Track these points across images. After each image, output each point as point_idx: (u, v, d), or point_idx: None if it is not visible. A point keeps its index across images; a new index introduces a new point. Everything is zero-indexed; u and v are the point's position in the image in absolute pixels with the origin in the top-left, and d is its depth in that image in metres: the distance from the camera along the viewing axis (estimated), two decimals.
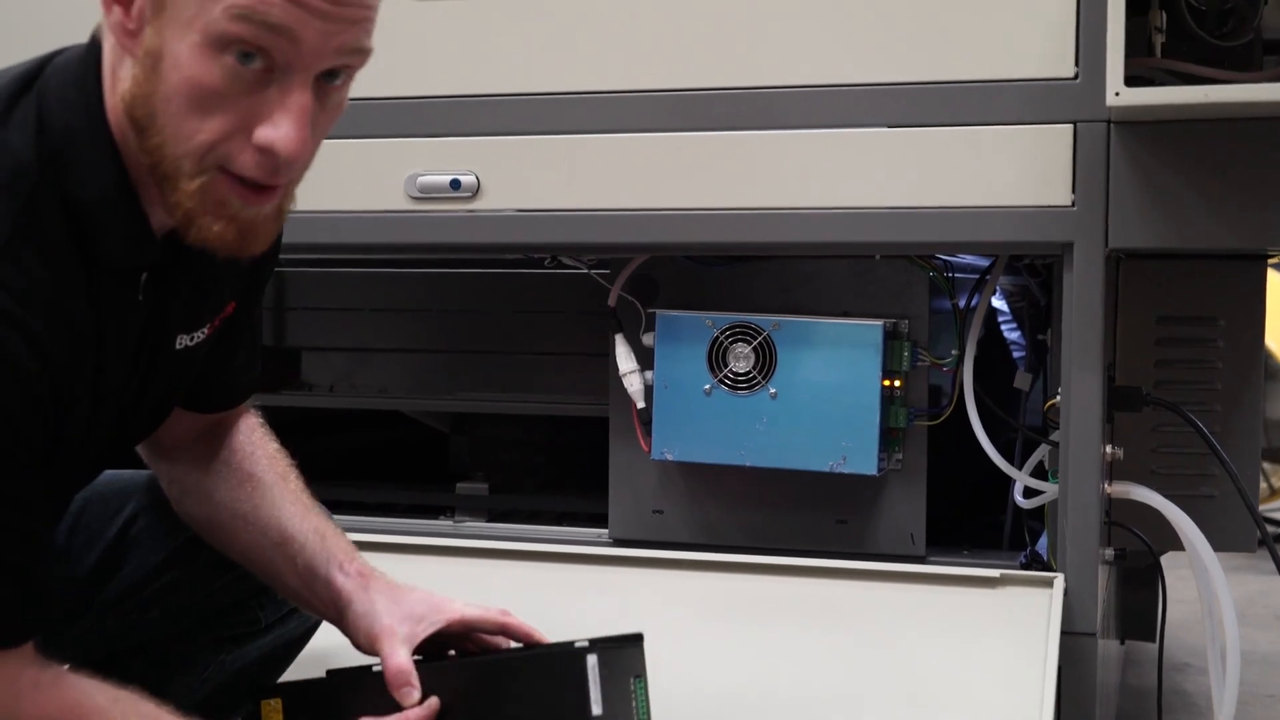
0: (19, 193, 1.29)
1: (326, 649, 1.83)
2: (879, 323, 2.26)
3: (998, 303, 2.64)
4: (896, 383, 2.28)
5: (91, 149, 1.33)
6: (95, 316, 1.37)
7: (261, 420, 1.78)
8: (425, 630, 1.60)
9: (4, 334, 1.26)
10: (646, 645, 1.67)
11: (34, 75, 1.35)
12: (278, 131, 1.29)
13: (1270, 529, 4.94)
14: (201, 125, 1.29)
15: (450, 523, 2.65)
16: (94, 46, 1.37)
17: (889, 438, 2.29)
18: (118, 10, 1.30)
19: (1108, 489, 2.21)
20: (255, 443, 1.74)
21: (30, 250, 1.28)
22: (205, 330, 1.53)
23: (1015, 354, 2.69)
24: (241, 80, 1.28)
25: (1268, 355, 4.69)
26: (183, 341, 1.50)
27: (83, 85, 1.34)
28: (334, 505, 1.89)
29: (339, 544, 1.67)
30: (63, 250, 1.32)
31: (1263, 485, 4.93)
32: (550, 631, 1.71)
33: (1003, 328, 2.73)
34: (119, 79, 1.33)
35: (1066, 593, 2.03)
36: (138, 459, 1.74)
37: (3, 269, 1.27)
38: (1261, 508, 5.02)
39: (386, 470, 3.01)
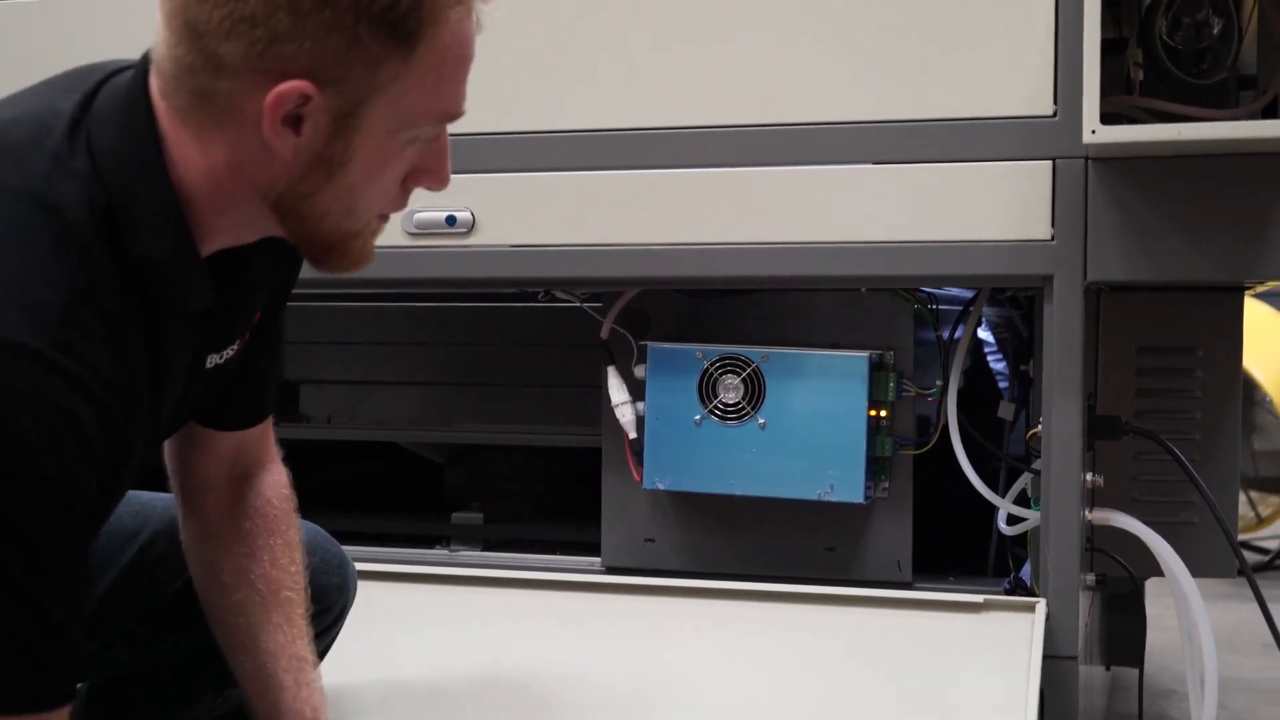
0: (71, 253, 1.28)
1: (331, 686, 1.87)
2: (865, 354, 2.30)
3: (984, 334, 2.68)
4: (883, 413, 2.32)
5: (154, 210, 1.34)
6: (152, 361, 1.38)
7: (289, 492, 1.75)
8: None
9: (71, 400, 1.25)
10: (639, 671, 1.70)
11: (76, 122, 1.34)
12: (440, 179, 1.43)
13: (1258, 557, 5.00)
14: (377, 201, 1.40)
15: (446, 552, 2.68)
16: (137, 94, 1.35)
17: (875, 467, 2.33)
18: (287, 134, 1.31)
19: (1089, 516, 2.24)
20: (263, 532, 1.71)
21: (90, 311, 1.28)
22: (235, 346, 1.56)
23: (1001, 384, 2.73)
24: (417, 152, 1.40)
25: (1255, 386, 4.74)
26: (213, 360, 1.52)
27: (137, 141, 1.34)
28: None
29: (309, 698, 1.67)
30: (120, 305, 1.32)
31: (1250, 514, 4.96)
32: (542, 654, 1.74)
33: (989, 359, 2.77)
34: (244, 166, 1.34)
35: (1048, 617, 2.07)
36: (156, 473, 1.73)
37: (66, 333, 1.25)
38: (1249, 536, 5.06)
39: (383, 501, 3.04)
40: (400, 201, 1.44)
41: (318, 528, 1.87)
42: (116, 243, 1.32)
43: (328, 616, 1.85)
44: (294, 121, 1.30)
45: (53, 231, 1.28)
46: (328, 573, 1.84)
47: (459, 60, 1.37)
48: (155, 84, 1.35)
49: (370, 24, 1.27)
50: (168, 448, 1.69)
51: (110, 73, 1.39)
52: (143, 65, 1.37)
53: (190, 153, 1.34)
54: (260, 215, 1.38)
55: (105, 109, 1.35)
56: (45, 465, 1.23)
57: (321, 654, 1.87)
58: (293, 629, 1.68)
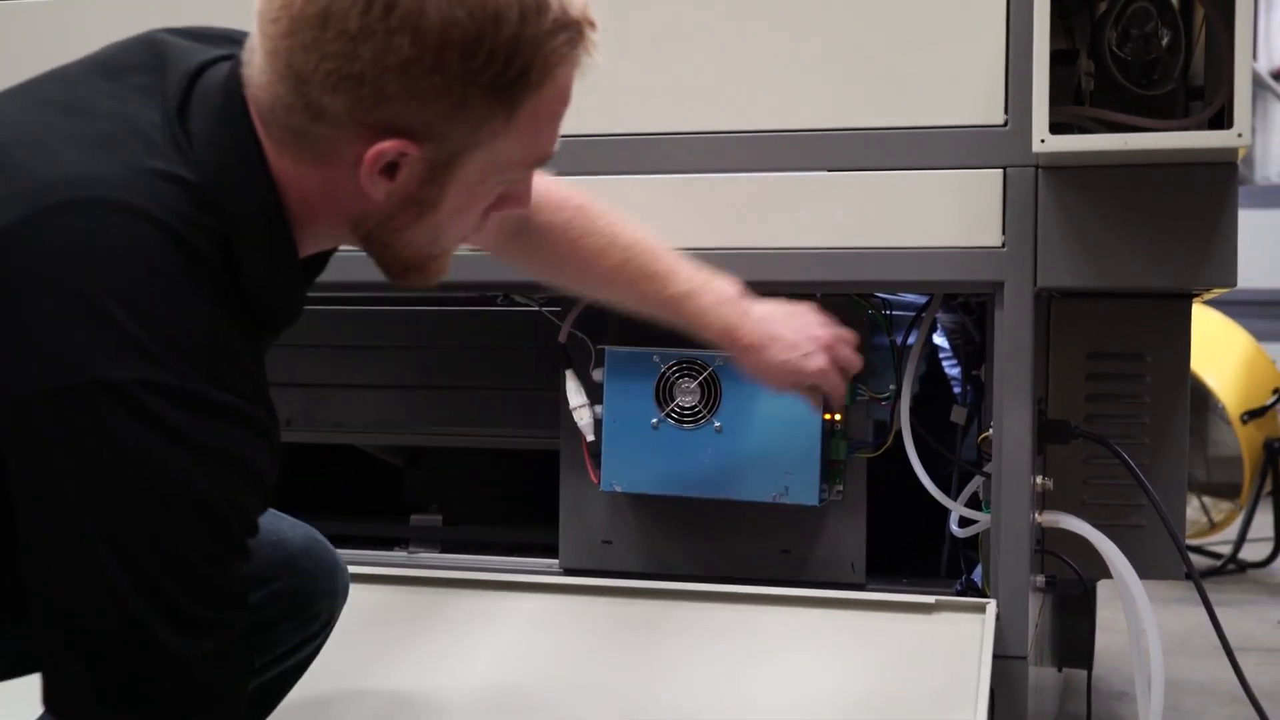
0: (204, 285, 1.28)
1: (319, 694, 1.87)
2: None
3: (939, 339, 2.71)
4: (837, 417, 2.35)
5: (270, 237, 1.34)
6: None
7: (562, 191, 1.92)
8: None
9: (251, 437, 1.29)
10: (596, 672, 1.72)
11: (179, 138, 1.31)
12: (524, 205, 1.48)
13: (1210, 562, 5.05)
14: (462, 231, 1.44)
15: (405, 554, 2.69)
16: (239, 116, 1.34)
17: (830, 470, 2.35)
18: (382, 181, 1.33)
19: (1038, 518, 2.27)
20: (575, 225, 1.91)
21: (236, 333, 1.30)
22: None
23: (956, 389, 2.76)
24: (504, 186, 1.43)
25: (1209, 393, 4.79)
26: None
27: (248, 169, 1.33)
28: None
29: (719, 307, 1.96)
30: (246, 324, 1.33)
31: (1203, 519, 5.01)
32: (499, 655, 1.75)
33: (944, 364, 2.80)
34: (336, 200, 1.36)
35: (999, 618, 2.10)
36: None
37: (223, 368, 1.27)
38: (1202, 541, 5.12)
39: (342, 503, 3.04)
40: (481, 226, 1.46)
41: (315, 532, 1.88)
42: (233, 267, 1.32)
43: (315, 624, 1.85)
44: (389, 169, 1.32)
45: (187, 263, 1.27)
46: (320, 579, 1.84)
47: (557, 112, 1.39)
48: (252, 108, 1.34)
49: (479, 89, 1.29)
50: None
51: (190, 74, 1.36)
52: (237, 87, 1.35)
53: (287, 178, 1.35)
54: (344, 236, 1.43)
55: (206, 128, 1.33)
56: (225, 513, 1.27)
57: (306, 661, 1.88)
58: (671, 270, 1.95)
